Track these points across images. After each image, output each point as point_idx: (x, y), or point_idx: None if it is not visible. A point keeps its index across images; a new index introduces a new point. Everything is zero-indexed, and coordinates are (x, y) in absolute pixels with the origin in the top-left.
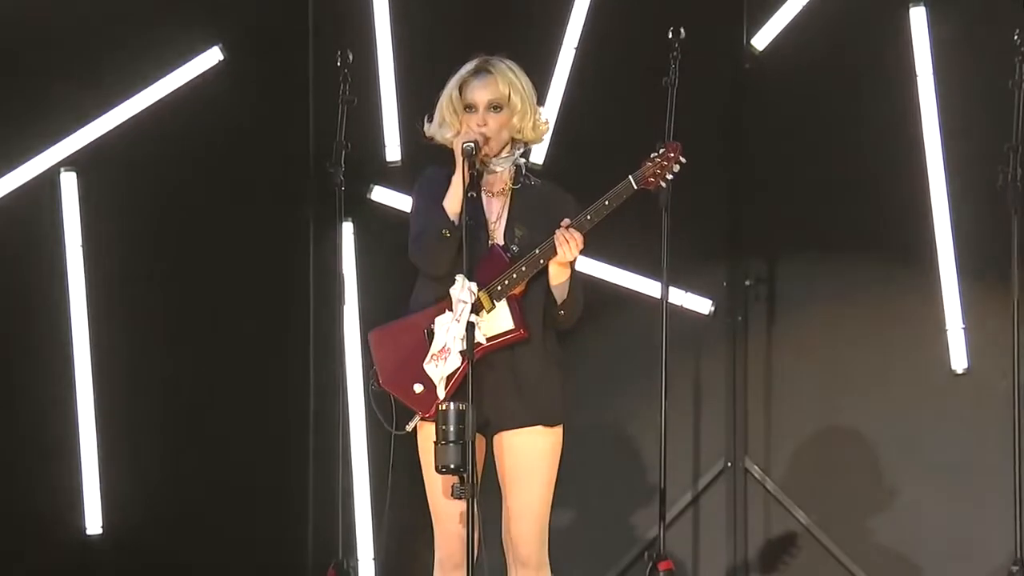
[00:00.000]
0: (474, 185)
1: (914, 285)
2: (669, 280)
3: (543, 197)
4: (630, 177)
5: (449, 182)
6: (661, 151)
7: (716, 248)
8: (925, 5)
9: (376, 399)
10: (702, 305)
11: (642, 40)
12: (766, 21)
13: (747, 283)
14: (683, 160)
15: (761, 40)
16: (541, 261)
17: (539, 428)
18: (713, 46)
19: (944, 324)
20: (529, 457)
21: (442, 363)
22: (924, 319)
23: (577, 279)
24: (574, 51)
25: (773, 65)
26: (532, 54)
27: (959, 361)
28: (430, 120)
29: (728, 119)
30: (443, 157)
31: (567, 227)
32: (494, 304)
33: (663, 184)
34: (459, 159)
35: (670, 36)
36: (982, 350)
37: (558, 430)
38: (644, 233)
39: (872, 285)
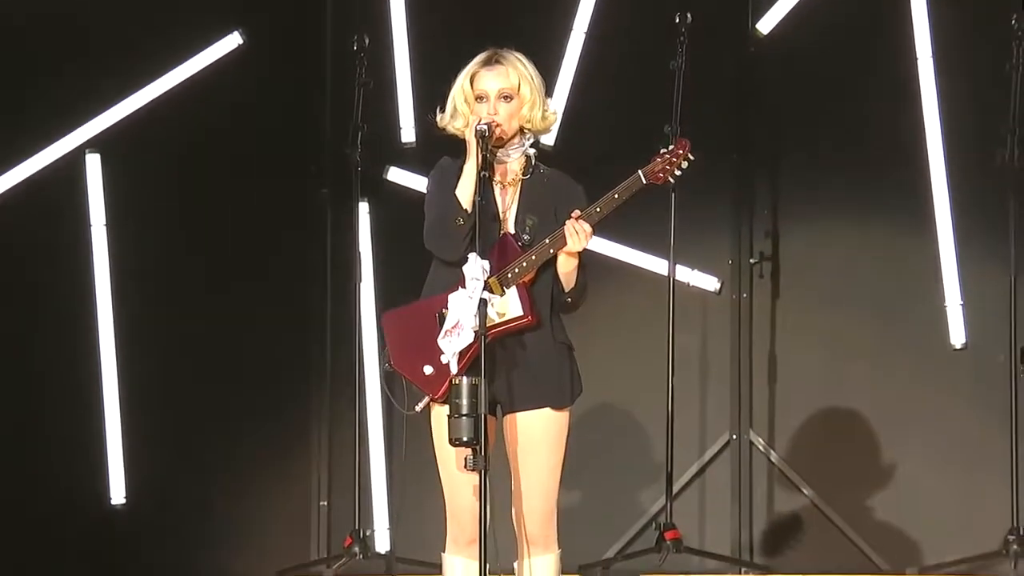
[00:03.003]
0: (487, 166)
1: (914, 263)
2: (676, 258)
3: (553, 186)
4: (639, 172)
5: (462, 171)
6: (671, 147)
7: (721, 227)
8: None
9: (388, 380)
10: (708, 282)
11: (649, 25)
12: (770, 6)
13: (752, 261)
14: (692, 157)
15: (765, 24)
16: (551, 251)
17: (547, 410)
18: (718, 30)
19: (943, 300)
20: (538, 438)
21: (455, 338)
22: (924, 296)
23: (585, 264)
24: (584, 36)
25: (777, 49)
26: (543, 38)
27: (958, 337)
28: (442, 110)
29: (733, 101)
30: (457, 143)
31: (577, 218)
32: (504, 291)
33: (671, 180)
34: (471, 144)
35: (677, 21)
36: (980, 326)
37: (566, 412)
38: (652, 212)
39: (873, 263)
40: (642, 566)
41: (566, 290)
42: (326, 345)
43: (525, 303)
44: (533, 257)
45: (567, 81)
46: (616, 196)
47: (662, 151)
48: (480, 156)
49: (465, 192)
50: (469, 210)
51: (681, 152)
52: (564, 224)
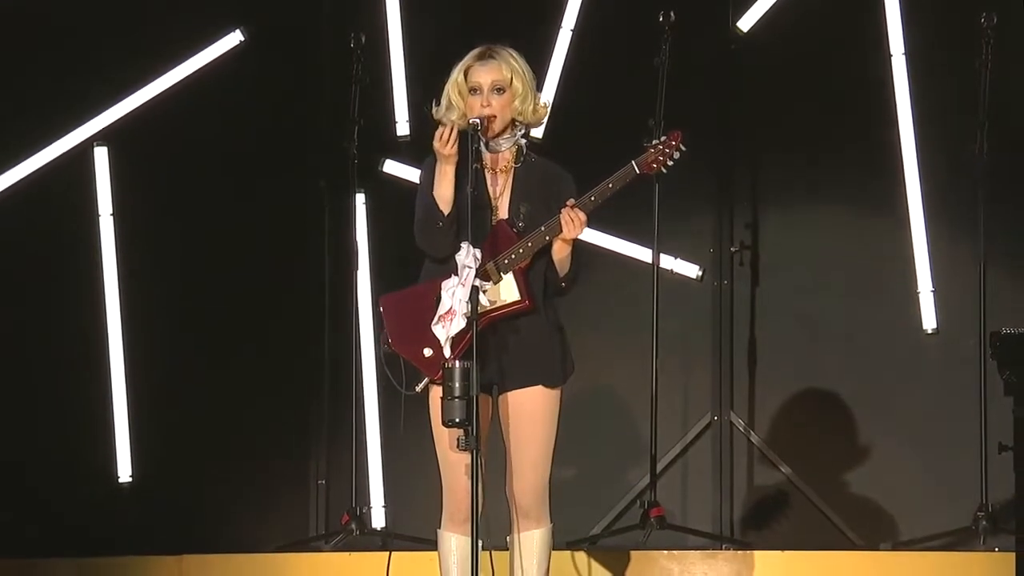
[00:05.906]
0: (478, 158)
1: (887, 251)
2: (660, 247)
3: (544, 175)
4: (633, 163)
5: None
6: (663, 139)
7: (703, 217)
8: None
9: (387, 360)
10: (691, 270)
11: (634, 23)
12: (750, 5)
13: (732, 249)
14: (683, 148)
15: (746, 22)
16: (547, 238)
17: (540, 388)
18: (700, 28)
19: (916, 287)
20: (531, 416)
21: (448, 324)
22: (897, 282)
23: (580, 251)
24: (571, 33)
25: (756, 46)
26: (532, 35)
27: (929, 321)
28: (437, 104)
29: (714, 97)
30: None
31: (572, 207)
32: (501, 276)
33: (664, 170)
34: (439, 153)
35: (660, 19)
36: (951, 311)
37: (557, 391)
38: (636, 203)
39: (848, 251)
40: (627, 542)
41: (561, 275)
42: (325, 329)
43: (522, 288)
44: (529, 244)
45: (555, 76)
46: (610, 185)
47: (655, 142)
48: (471, 148)
49: (442, 194)
50: (447, 212)
51: (674, 143)
52: (559, 212)
